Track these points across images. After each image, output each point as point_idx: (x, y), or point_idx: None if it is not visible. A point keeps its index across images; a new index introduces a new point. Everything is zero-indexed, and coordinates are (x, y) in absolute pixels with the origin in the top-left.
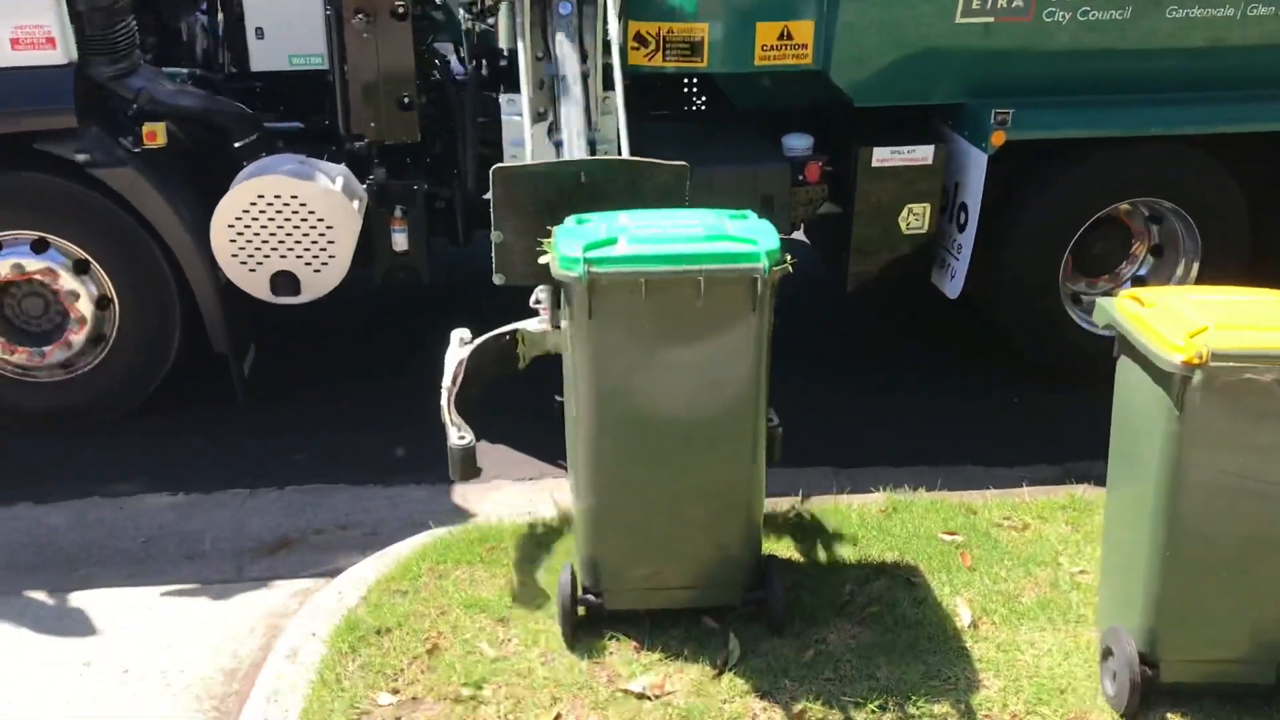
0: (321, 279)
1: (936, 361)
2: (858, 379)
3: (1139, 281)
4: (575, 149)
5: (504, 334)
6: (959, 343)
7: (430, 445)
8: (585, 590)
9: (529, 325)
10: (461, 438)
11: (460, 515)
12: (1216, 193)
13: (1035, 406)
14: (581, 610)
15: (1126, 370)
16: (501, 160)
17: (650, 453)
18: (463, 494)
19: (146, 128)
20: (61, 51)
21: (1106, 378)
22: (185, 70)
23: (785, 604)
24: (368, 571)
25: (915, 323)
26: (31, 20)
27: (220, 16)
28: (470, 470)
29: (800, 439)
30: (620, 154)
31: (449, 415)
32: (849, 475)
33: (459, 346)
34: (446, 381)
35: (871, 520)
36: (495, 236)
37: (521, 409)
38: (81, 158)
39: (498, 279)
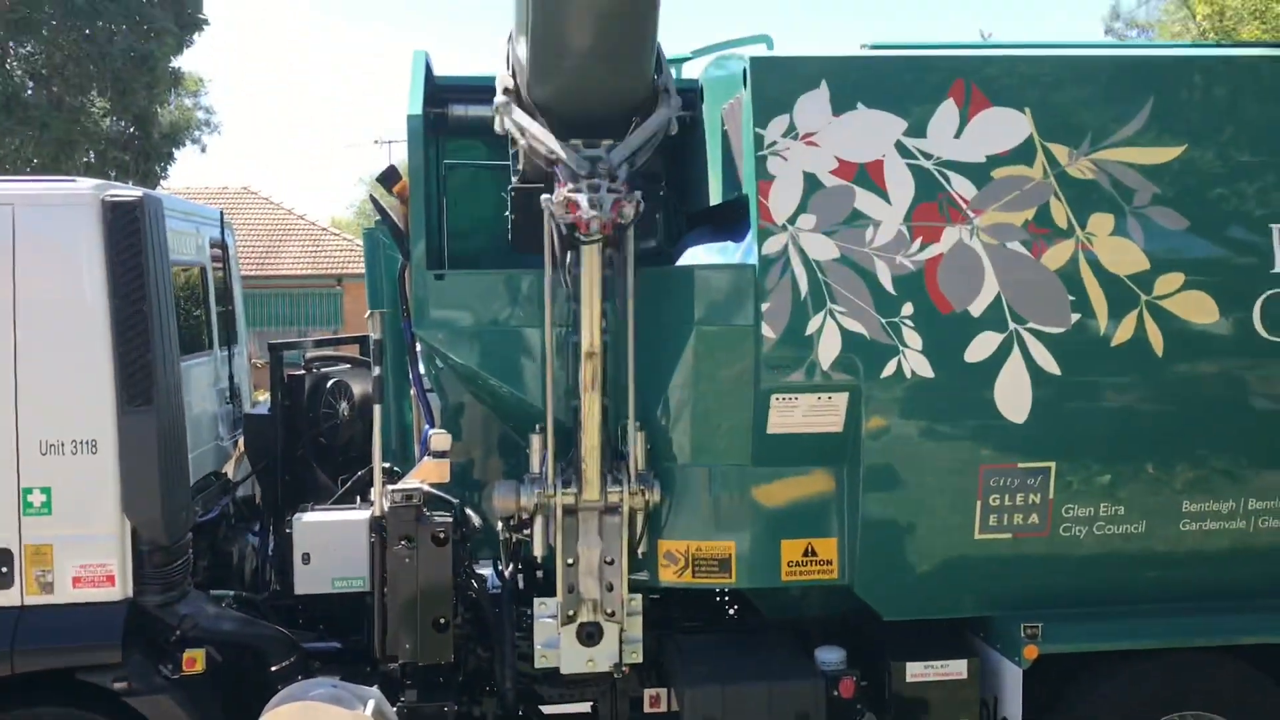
0: None
1: None
2: None
3: None
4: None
5: None
6: None
7: None
8: None
9: None
10: None
11: None
12: (1261, 702)
13: None
14: None
15: None
16: (533, 668)
17: None
18: None
19: (187, 654)
20: (119, 588)
21: None
22: (231, 593)
23: None
24: None
25: None
26: (96, 559)
27: (271, 540)
28: None
29: None
30: None
31: None
32: None
33: None
34: None
35: None
36: None
37: None
38: (119, 686)
39: None
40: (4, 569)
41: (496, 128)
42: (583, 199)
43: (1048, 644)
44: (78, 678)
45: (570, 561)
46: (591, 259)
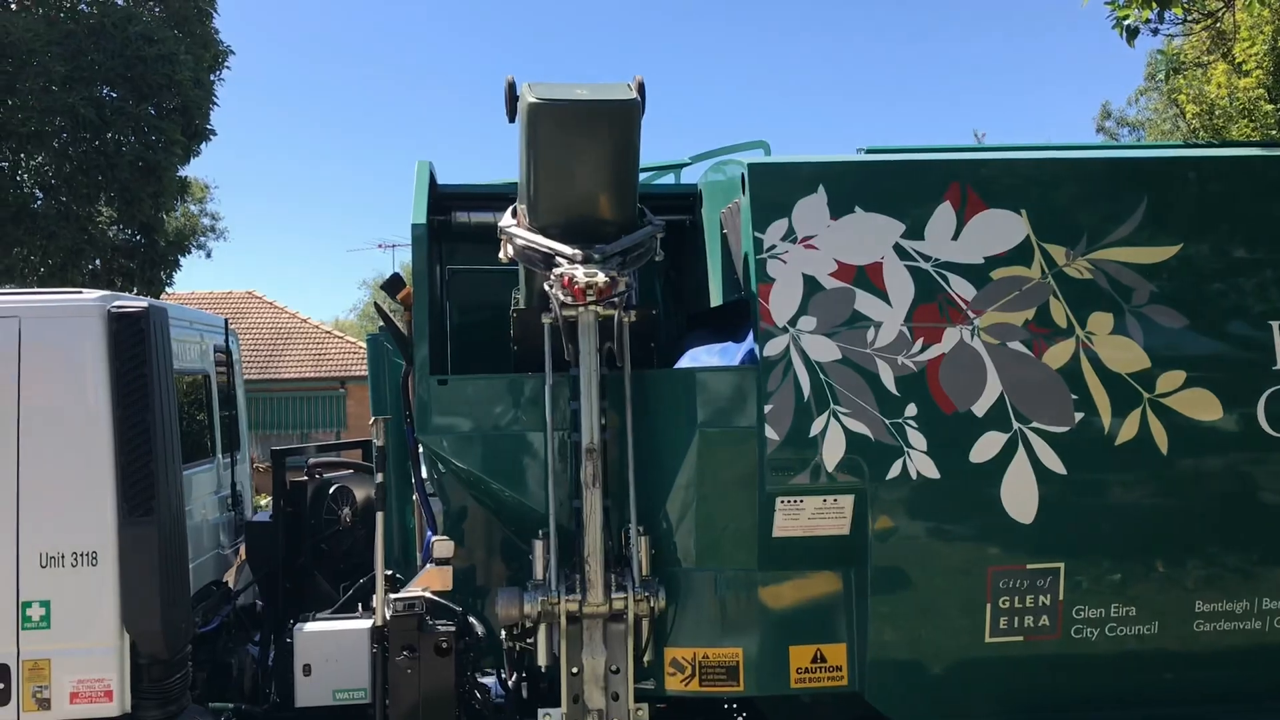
0: None
1: None
2: None
3: None
4: None
5: None
6: None
7: None
8: None
9: None
10: None
11: None
12: None
13: None
14: None
15: None
16: None
17: None
18: None
19: None
20: (116, 704)
21: None
22: (230, 705)
23: None
24: None
25: None
26: (95, 674)
27: (272, 650)
28: None
29: None
30: None
31: None
32: None
33: None
34: None
35: None
36: None
37: None
38: None
39: None
40: (1, 685)
41: (501, 255)
42: (578, 270)
43: None
44: None
45: (575, 671)
46: (589, 345)
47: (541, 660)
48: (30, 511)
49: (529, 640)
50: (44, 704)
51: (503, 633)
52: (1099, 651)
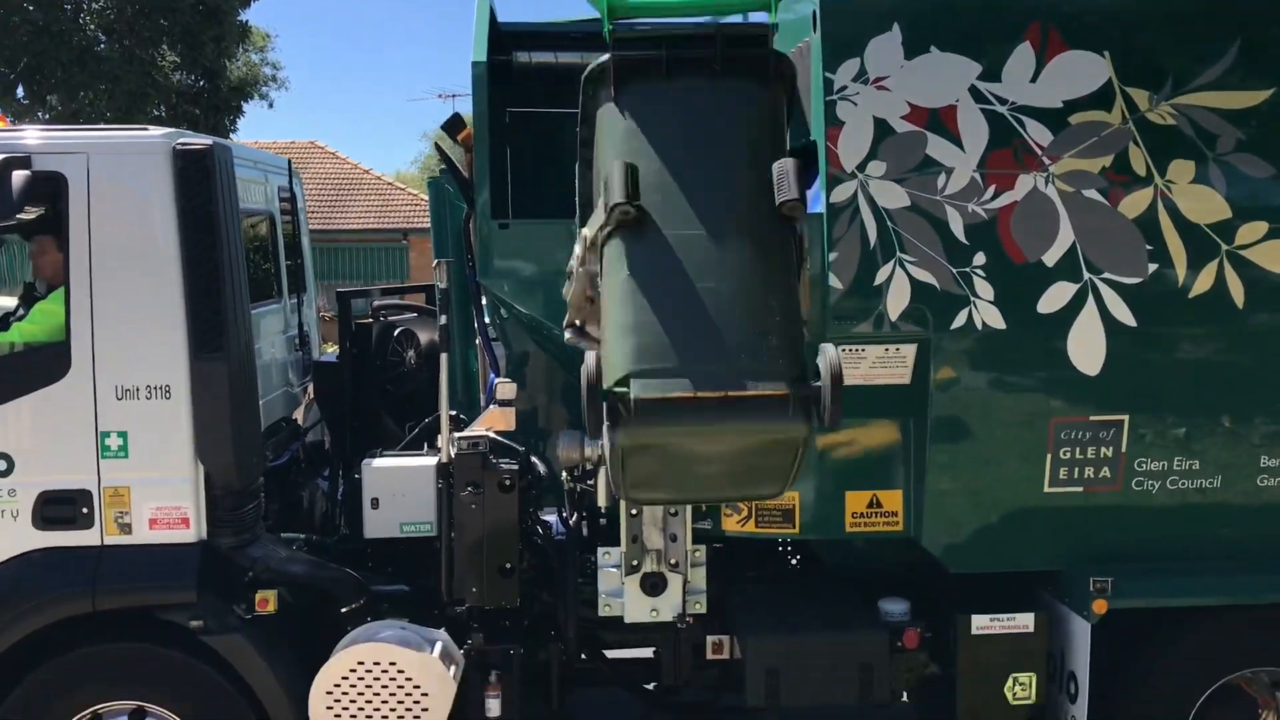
0: None
1: None
2: None
3: None
4: None
5: None
6: None
7: None
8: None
9: None
10: None
11: None
12: None
13: None
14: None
15: None
16: (597, 616)
17: None
18: None
19: (259, 595)
20: (193, 531)
21: None
22: (301, 536)
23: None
24: None
25: None
26: (171, 502)
27: (340, 485)
28: None
29: None
30: None
31: None
32: None
33: None
34: None
35: None
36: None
37: None
38: (195, 624)
39: None
40: (84, 509)
41: None
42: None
43: (1118, 599)
44: (156, 616)
45: (634, 512)
46: None
47: (601, 501)
48: (105, 345)
49: (589, 482)
50: (125, 529)
51: (564, 474)
52: (1159, 504)
